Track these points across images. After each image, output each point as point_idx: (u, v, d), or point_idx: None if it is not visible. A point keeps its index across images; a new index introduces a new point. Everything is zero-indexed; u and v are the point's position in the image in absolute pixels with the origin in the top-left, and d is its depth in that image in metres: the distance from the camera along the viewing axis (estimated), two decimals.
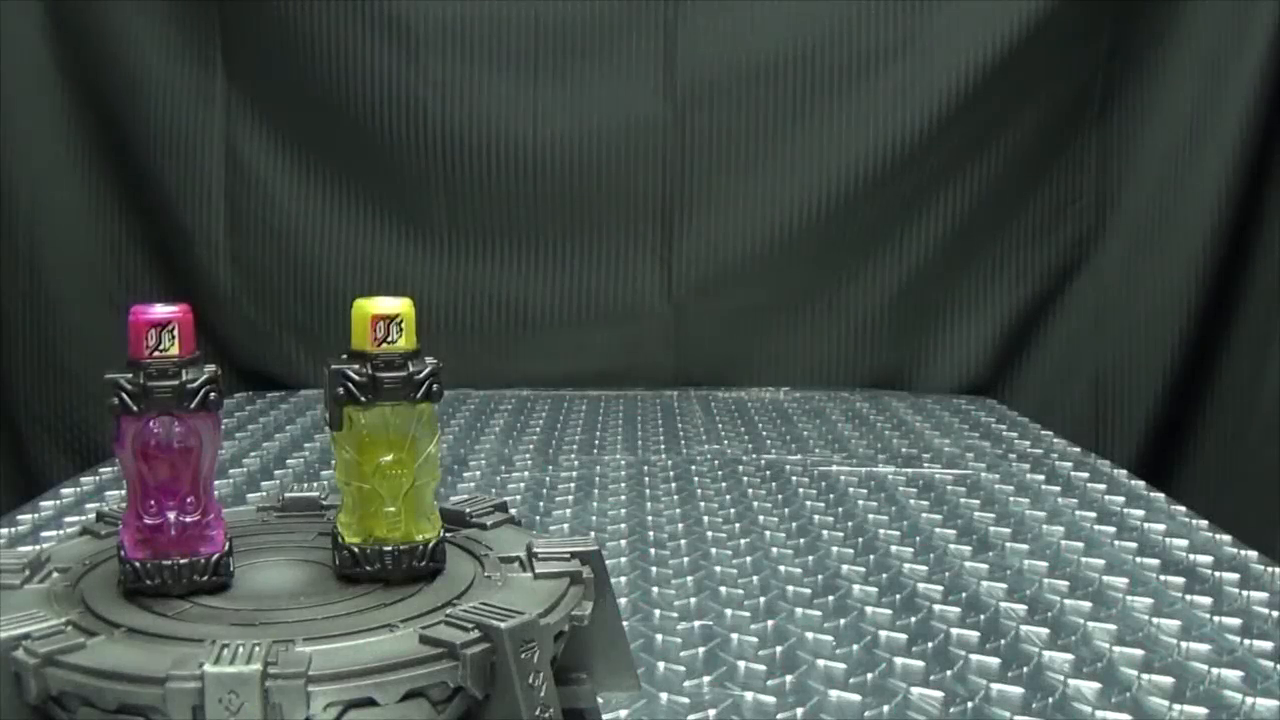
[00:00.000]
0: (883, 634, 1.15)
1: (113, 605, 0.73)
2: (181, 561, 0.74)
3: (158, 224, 2.38)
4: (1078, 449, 1.90)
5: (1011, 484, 1.67)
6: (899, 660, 1.09)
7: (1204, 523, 1.50)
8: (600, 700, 0.81)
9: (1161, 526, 1.48)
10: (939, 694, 1.02)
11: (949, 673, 1.07)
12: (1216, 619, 1.19)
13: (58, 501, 1.58)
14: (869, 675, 1.07)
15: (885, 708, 1.00)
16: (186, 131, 2.34)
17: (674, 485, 1.66)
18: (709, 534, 1.45)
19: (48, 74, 2.33)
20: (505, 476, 1.70)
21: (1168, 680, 1.05)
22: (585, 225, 2.35)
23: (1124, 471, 1.78)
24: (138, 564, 0.74)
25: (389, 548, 0.77)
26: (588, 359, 2.38)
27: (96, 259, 2.38)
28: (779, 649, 1.11)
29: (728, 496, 1.61)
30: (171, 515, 0.74)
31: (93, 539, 0.85)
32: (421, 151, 2.31)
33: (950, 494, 1.62)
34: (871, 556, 1.37)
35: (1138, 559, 1.36)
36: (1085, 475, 1.72)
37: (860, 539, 1.43)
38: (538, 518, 1.50)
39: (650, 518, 1.51)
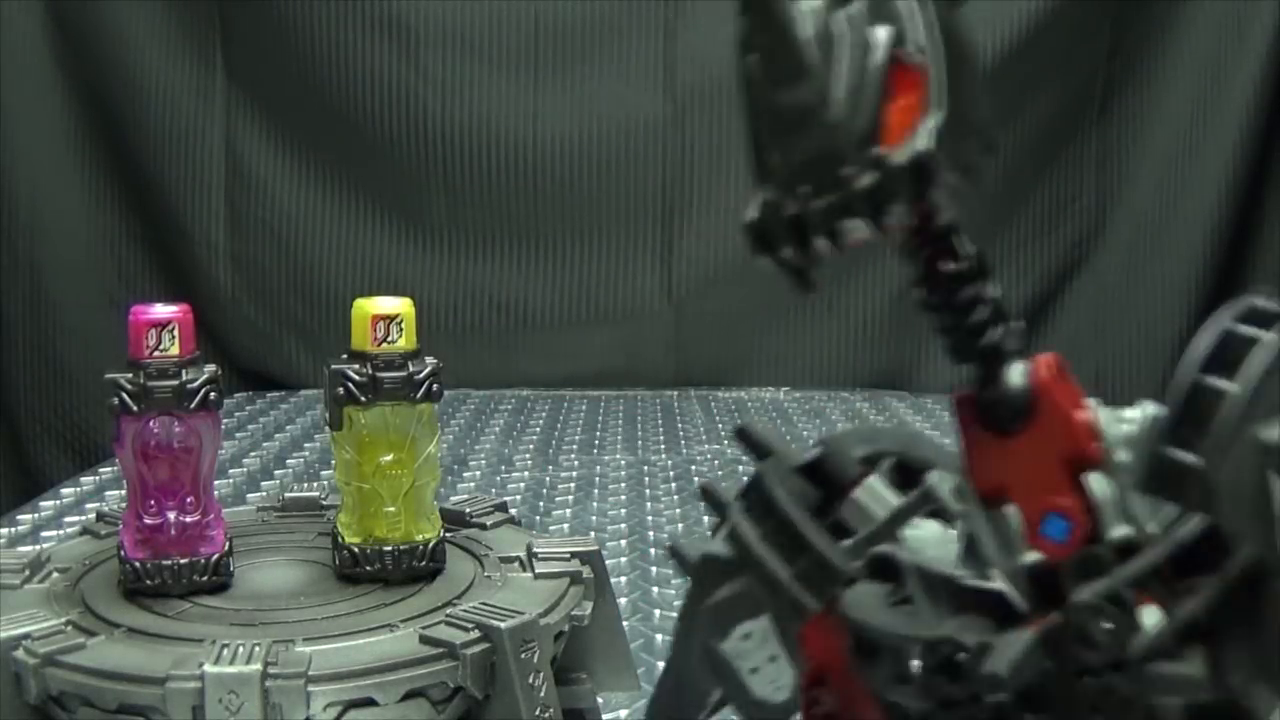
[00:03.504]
0: None
1: (113, 605, 0.73)
2: (181, 561, 0.74)
3: (158, 224, 2.38)
4: None
5: None
6: None
7: None
8: (600, 700, 0.81)
9: None
10: None
11: None
12: None
13: (58, 501, 1.58)
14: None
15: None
16: (186, 131, 2.34)
17: (674, 485, 1.66)
18: (709, 534, 1.44)
19: (48, 74, 2.33)
20: (505, 476, 1.70)
21: None
22: (585, 225, 2.35)
23: None
24: (138, 564, 0.74)
25: (389, 548, 0.77)
26: (588, 359, 2.38)
27: (96, 259, 2.38)
28: None
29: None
30: (171, 515, 0.75)
31: (93, 539, 0.85)
32: (421, 151, 2.31)
33: None
34: None
35: None
36: None
37: None
38: (538, 518, 1.49)
39: (650, 518, 1.51)
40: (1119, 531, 0.48)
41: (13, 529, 1.44)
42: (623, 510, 1.54)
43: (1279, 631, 0.45)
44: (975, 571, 0.50)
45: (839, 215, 0.47)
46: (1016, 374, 0.50)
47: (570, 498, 1.60)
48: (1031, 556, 0.49)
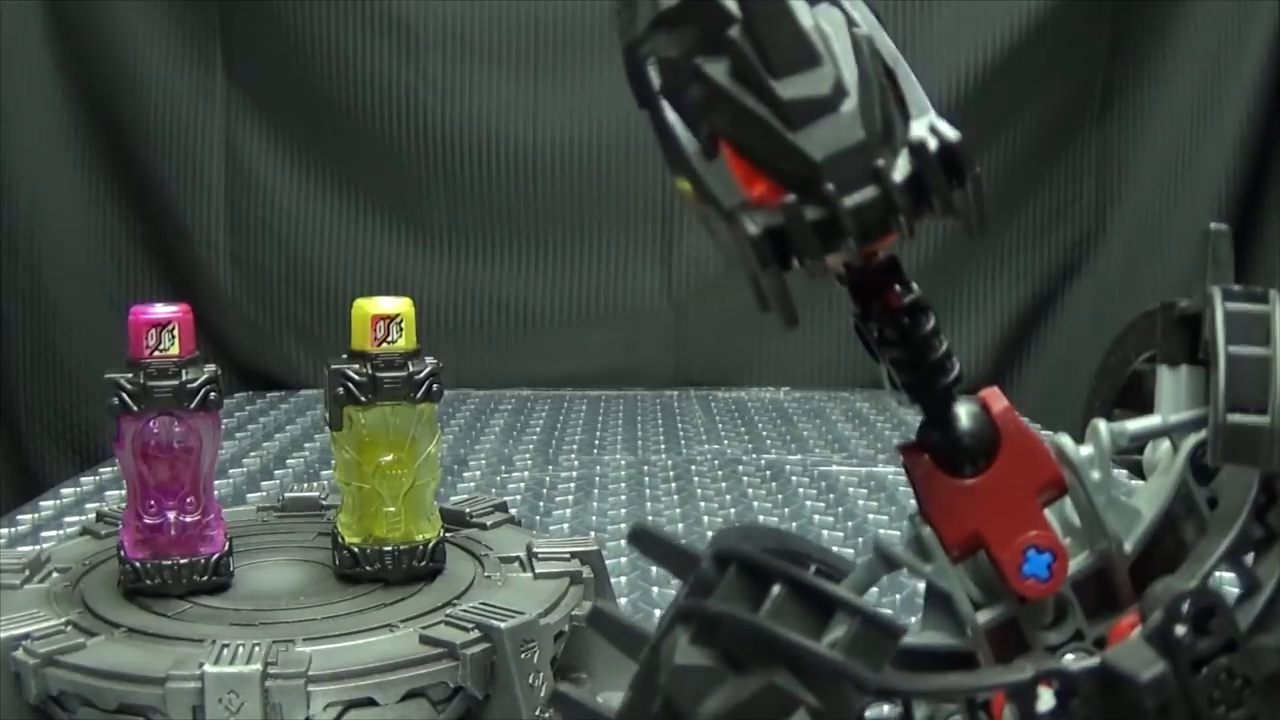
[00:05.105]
0: None
1: (113, 605, 0.73)
2: (181, 561, 0.74)
3: (158, 224, 2.38)
4: None
5: None
6: None
7: None
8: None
9: None
10: None
11: None
12: None
13: (58, 501, 1.58)
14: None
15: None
16: (186, 131, 2.34)
17: (674, 485, 1.66)
18: (709, 534, 1.44)
19: (48, 74, 2.33)
20: (505, 476, 1.70)
21: None
22: (585, 225, 2.35)
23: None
24: (138, 564, 0.74)
25: (389, 548, 0.77)
26: (588, 359, 2.38)
27: (96, 259, 2.38)
28: None
29: (728, 496, 1.61)
30: (171, 515, 0.75)
31: (93, 539, 0.85)
32: (421, 151, 2.31)
33: None
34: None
35: None
36: None
37: (860, 539, 1.43)
38: (538, 518, 1.49)
39: (650, 518, 1.51)
40: (1082, 561, 0.47)
41: (13, 529, 1.44)
42: (623, 510, 1.54)
43: None
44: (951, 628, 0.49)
45: (879, 212, 0.43)
46: (966, 413, 0.48)
47: (570, 498, 1.59)
48: (989, 614, 0.47)
